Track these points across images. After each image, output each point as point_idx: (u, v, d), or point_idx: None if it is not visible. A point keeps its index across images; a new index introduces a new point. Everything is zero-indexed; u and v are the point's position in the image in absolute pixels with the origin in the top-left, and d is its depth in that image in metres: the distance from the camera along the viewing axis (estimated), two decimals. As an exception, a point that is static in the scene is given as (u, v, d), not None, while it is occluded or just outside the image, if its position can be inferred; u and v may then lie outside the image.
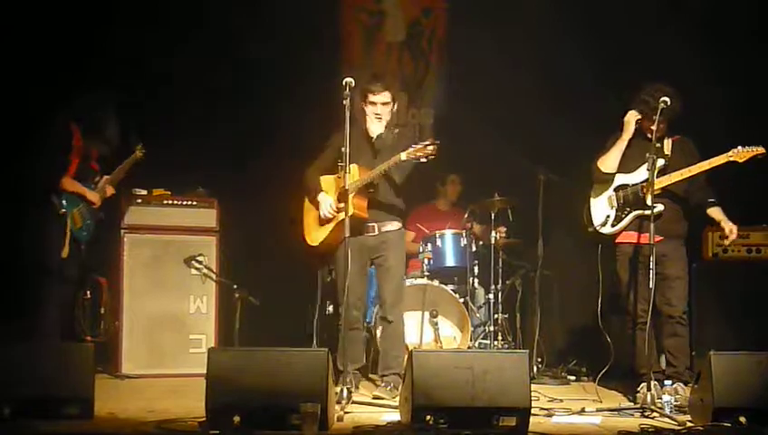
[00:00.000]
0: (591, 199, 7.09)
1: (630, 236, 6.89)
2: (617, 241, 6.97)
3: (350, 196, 6.46)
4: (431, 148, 6.52)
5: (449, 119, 9.98)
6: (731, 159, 6.53)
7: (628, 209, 6.85)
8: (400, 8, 10.11)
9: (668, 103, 6.48)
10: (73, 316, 7.43)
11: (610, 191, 6.98)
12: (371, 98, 6.88)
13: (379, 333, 7.61)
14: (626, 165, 6.92)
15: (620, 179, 6.94)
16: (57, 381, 5.35)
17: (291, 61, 9.12)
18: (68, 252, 6.91)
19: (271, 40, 8.99)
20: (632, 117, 6.85)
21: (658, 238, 6.67)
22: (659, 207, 6.63)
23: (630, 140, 6.88)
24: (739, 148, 6.50)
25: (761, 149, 6.49)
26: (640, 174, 6.81)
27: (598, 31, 9.14)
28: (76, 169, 7.04)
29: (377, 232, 6.95)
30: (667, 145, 6.89)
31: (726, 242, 7.22)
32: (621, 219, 6.88)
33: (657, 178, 6.63)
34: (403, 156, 6.54)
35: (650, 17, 9.00)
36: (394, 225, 7.03)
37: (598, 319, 6.95)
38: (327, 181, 7.01)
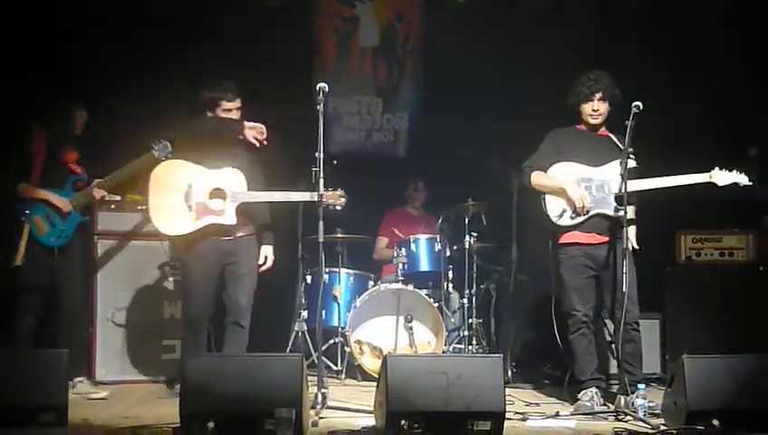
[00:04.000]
0: None
1: (576, 237, 6.69)
2: (561, 242, 6.76)
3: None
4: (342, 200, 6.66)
5: (424, 123, 10.01)
6: (711, 180, 6.47)
7: (591, 206, 6.61)
8: (374, 14, 10.12)
9: (640, 107, 6.36)
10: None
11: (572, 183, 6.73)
12: (226, 105, 6.81)
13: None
14: (590, 157, 6.73)
15: (584, 172, 6.70)
16: (31, 388, 5.31)
17: (265, 68, 9.12)
18: (24, 258, 6.77)
19: (247, 48, 9.00)
20: (580, 199, 6.60)
21: (605, 239, 6.66)
22: (631, 210, 6.53)
23: (585, 133, 6.79)
24: (724, 171, 6.45)
25: (744, 178, 6.46)
26: (608, 170, 6.62)
27: (573, 31, 9.20)
28: (43, 174, 6.94)
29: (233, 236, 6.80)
30: (618, 141, 6.65)
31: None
32: (580, 215, 6.64)
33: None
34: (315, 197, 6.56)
35: (625, 19, 9.09)
36: (249, 229, 6.91)
37: (553, 322, 6.93)
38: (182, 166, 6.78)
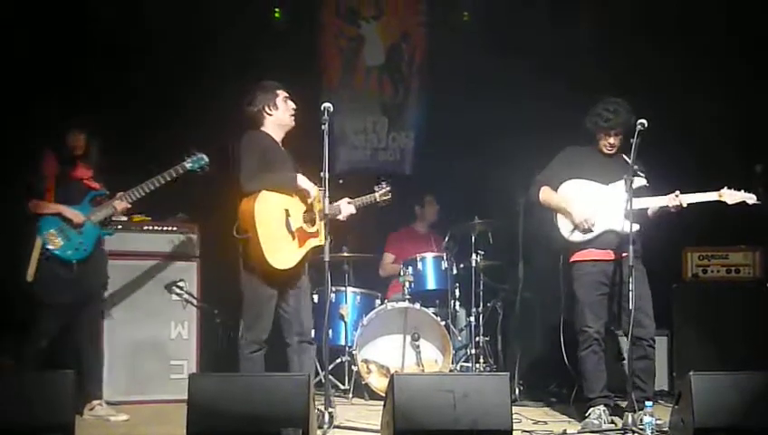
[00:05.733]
0: None
1: (592, 254, 6.73)
2: (574, 260, 6.79)
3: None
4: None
5: (429, 142, 10.02)
6: (721, 198, 6.47)
7: (601, 223, 6.69)
8: (379, 33, 10.17)
9: (645, 125, 6.39)
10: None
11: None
12: (284, 93, 6.72)
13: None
14: (600, 175, 6.79)
15: (595, 189, 6.77)
16: (37, 409, 5.32)
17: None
18: (38, 274, 6.72)
19: (251, 66, 9.02)
20: (582, 220, 6.70)
21: (619, 255, 6.66)
22: (636, 227, 6.51)
23: (596, 151, 6.87)
24: (732, 191, 6.45)
25: (752, 197, 6.47)
26: (619, 188, 6.63)
27: (579, 48, 9.22)
28: (58, 192, 6.91)
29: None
30: (628, 159, 6.69)
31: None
32: (591, 231, 6.71)
33: (636, 197, 6.51)
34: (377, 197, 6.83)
35: (636, 38, 9.13)
36: None
37: (560, 338, 6.93)
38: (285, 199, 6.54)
